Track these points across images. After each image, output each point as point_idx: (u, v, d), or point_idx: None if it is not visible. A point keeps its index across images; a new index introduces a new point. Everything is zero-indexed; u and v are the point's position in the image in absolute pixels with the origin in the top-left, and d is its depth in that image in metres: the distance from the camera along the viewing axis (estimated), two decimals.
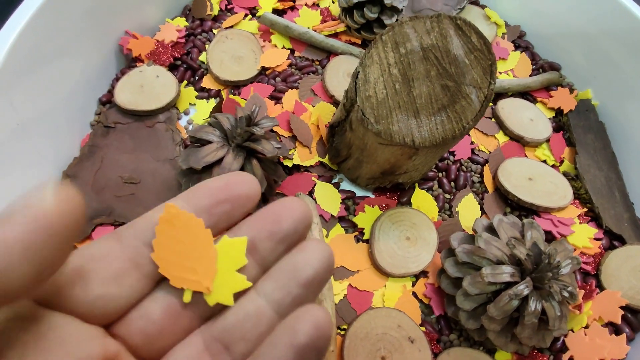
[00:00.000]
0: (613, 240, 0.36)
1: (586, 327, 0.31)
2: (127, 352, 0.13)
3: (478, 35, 0.30)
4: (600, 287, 0.34)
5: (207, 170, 0.31)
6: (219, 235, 0.15)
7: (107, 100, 0.41)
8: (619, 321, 0.31)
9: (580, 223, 0.37)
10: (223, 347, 0.13)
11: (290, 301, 0.14)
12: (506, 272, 0.28)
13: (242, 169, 0.31)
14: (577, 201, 0.38)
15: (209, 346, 0.14)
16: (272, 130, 0.38)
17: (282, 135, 0.38)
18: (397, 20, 0.43)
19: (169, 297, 0.14)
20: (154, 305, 0.14)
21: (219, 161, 0.31)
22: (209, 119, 0.40)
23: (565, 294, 0.27)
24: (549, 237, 0.36)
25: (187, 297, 0.14)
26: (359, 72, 0.30)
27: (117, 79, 0.42)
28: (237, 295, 0.14)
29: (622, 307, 0.32)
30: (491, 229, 0.32)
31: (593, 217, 0.38)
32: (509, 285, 0.28)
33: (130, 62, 0.43)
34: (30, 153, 0.32)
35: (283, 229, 0.14)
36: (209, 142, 0.32)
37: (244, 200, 0.14)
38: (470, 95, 0.30)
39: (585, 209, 0.38)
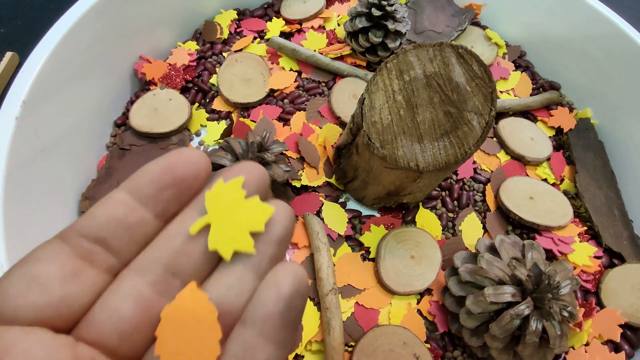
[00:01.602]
0: (613, 258, 0.37)
1: (586, 344, 0.32)
2: (103, 356, 0.12)
3: (479, 63, 0.31)
4: (600, 305, 0.35)
5: None
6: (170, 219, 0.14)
7: (122, 123, 0.43)
8: (618, 339, 0.32)
9: (580, 241, 0.38)
10: None
11: (267, 261, 0.13)
12: (507, 292, 0.29)
13: None
14: (577, 219, 0.39)
15: None
16: (281, 153, 0.40)
17: (290, 157, 0.40)
18: (400, 43, 0.45)
19: (135, 288, 0.12)
20: (121, 301, 0.12)
21: None
22: (220, 142, 0.42)
23: (565, 314, 0.28)
24: (550, 255, 0.37)
25: None
26: (364, 98, 0.32)
27: (131, 102, 0.44)
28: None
29: (621, 325, 0.33)
30: (493, 249, 0.33)
31: (593, 235, 0.39)
32: (510, 304, 0.29)
33: (144, 85, 0.45)
34: (51, 176, 0.34)
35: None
36: (222, 166, 0.33)
37: (191, 181, 0.13)
38: (472, 122, 0.31)
39: (585, 228, 0.39)
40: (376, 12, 0.42)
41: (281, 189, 0.36)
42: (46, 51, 0.34)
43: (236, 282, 0.13)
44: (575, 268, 0.36)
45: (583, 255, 0.36)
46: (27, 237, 0.29)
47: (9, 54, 0.47)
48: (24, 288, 0.11)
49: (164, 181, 0.13)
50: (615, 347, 0.33)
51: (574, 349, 0.32)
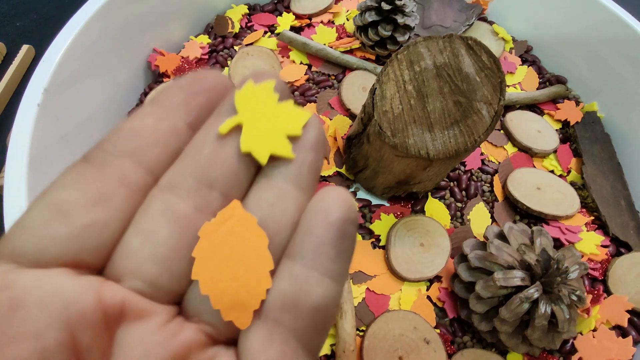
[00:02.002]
0: (619, 247, 0.38)
1: (594, 330, 0.33)
2: (137, 295, 0.10)
3: (488, 54, 0.32)
4: (608, 292, 0.35)
5: None
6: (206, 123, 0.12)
7: None
8: (625, 324, 0.33)
9: (587, 231, 0.38)
10: None
11: (307, 171, 0.12)
12: (517, 277, 0.29)
13: None
14: (584, 210, 0.40)
15: None
16: None
17: None
18: (409, 37, 0.46)
19: (168, 204, 0.11)
20: (155, 221, 0.10)
21: None
22: None
23: (574, 298, 0.29)
24: (557, 244, 0.37)
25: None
26: (375, 88, 0.32)
27: (145, 94, 0.45)
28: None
29: (628, 311, 0.33)
30: (502, 236, 0.34)
31: (600, 225, 0.39)
32: (519, 289, 0.29)
33: (157, 77, 0.46)
34: (71, 162, 0.35)
35: None
36: None
37: (219, 90, 0.12)
38: (482, 111, 0.32)
39: (592, 217, 0.39)
40: (386, 6, 0.43)
41: None
42: (66, 41, 0.35)
43: (278, 197, 0.11)
44: (582, 256, 0.37)
45: (590, 244, 0.37)
46: None
47: (24, 47, 0.48)
48: (45, 219, 0.10)
49: (194, 88, 0.12)
50: (623, 333, 0.33)
51: (582, 334, 0.33)
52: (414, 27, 0.45)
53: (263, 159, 0.11)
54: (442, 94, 0.32)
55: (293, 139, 0.12)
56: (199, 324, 0.10)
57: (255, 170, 0.12)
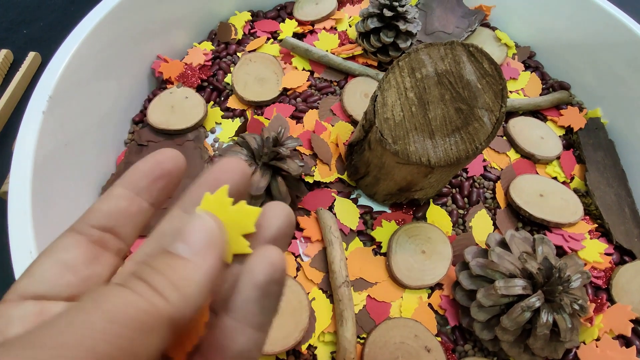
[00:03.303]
0: (623, 255, 0.37)
1: (597, 339, 0.33)
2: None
3: (489, 61, 0.32)
4: (611, 301, 0.35)
5: None
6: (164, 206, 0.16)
7: (140, 120, 0.44)
8: (629, 334, 0.32)
9: (590, 238, 0.38)
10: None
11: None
12: (518, 285, 0.29)
13: (268, 185, 0.33)
14: (588, 217, 0.40)
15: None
16: (295, 149, 0.41)
17: (303, 154, 0.41)
18: (411, 43, 0.46)
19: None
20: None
21: None
22: (235, 138, 0.43)
23: (576, 307, 0.29)
24: (560, 252, 0.37)
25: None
26: (377, 95, 0.33)
27: (148, 100, 0.45)
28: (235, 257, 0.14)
29: (632, 320, 0.33)
30: (504, 244, 0.33)
31: (603, 232, 0.39)
32: (521, 297, 0.29)
33: (160, 83, 0.46)
34: (75, 169, 0.35)
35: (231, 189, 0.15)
36: None
37: (175, 174, 0.15)
38: (483, 118, 0.32)
39: (596, 225, 0.39)
40: (388, 13, 0.43)
41: (295, 184, 0.37)
42: (70, 49, 0.35)
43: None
44: (585, 264, 0.37)
45: (594, 251, 0.37)
46: (52, 226, 0.30)
47: (31, 54, 0.49)
48: (59, 271, 0.13)
49: (155, 174, 0.15)
50: (626, 342, 0.33)
51: (585, 343, 0.33)
52: (416, 33, 0.46)
53: (229, 259, 0.14)
54: (443, 101, 0.32)
55: (249, 235, 0.14)
56: None
57: None
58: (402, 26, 0.44)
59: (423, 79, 0.32)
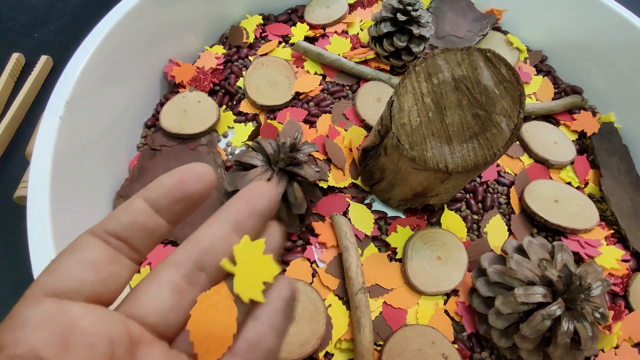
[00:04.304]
0: None
1: (616, 347, 0.32)
2: (147, 332, 0.14)
3: (507, 66, 0.32)
4: (629, 308, 0.35)
5: None
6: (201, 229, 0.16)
7: (152, 124, 0.44)
8: None
9: (607, 245, 0.38)
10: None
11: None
12: (538, 293, 0.29)
13: (284, 191, 0.33)
14: (603, 223, 0.39)
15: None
16: (310, 154, 0.40)
17: (317, 159, 0.41)
18: (424, 48, 0.46)
19: (171, 277, 0.15)
20: (161, 286, 0.15)
21: None
22: (248, 142, 0.43)
23: (597, 315, 0.28)
24: (577, 258, 0.37)
25: None
26: (393, 100, 0.32)
27: (161, 104, 0.45)
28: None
29: None
30: (521, 250, 0.33)
31: (620, 238, 0.39)
32: (540, 305, 0.29)
33: (172, 87, 0.46)
34: (91, 173, 0.35)
35: (260, 209, 0.16)
36: (253, 166, 0.34)
37: (199, 195, 0.16)
38: (501, 124, 0.31)
39: (612, 231, 0.39)
40: (401, 17, 0.43)
41: (310, 190, 0.36)
42: (86, 54, 0.35)
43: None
44: (603, 271, 0.36)
45: (610, 258, 0.36)
46: (70, 232, 0.30)
47: (43, 58, 0.49)
48: (81, 268, 0.14)
49: (176, 195, 0.15)
50: None
51: (603, 351, 0.32)
52: (429, 37, 0.45)
53: (246, 300, 0.15)
54: (460, 106, 0.32)
55: (267, 283, 0.16)
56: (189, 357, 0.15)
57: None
58: (415, 30, 0.44)
59: (440, 84, 0.32)
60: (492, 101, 0.32)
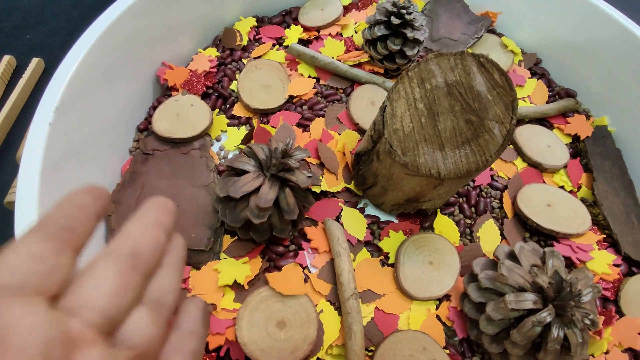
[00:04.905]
0: (632, 266, 0.37)
1: (606, 352, 0.33)
2: (90, 331, 0.14)
3: (500, 72, 0.32)
4: (620, 313, 0.35)
5: (244, 198, 0.33)
6: None
7: (145, 128, 0.43)
8: (638, 347, 0.32)
9: (599, 249, 0.38)
10: None
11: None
12: (529, 300, 0.29)
13: (276, 197, 0.33)
14: (596, 227, 0.40)
15: None
16: (302, 160, 0.40)
17: (310, 163, 0.41)
18: (418, 51, 0.46)
19: (112, 263, 0.16)
20: (104, 271, 0.15)
21: (256, 190, 0.33)
22: (241, 146, 0.43)
23: (587, 322, 0.28)
24: (568, 263, 0.37)
25: None
26: (386, 106, 0.32)
27: (153, 108, 0.45)
28: None
29: None
30: (513, 256, 0.33)
31: (611, 243, 0.39)
32: (531, 311, 0.29)
33: (165, 91, 0.46)
34: (81, 179, 0.35)
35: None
36: (245, 171, 0.34)
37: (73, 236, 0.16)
38: (493, 130, 0.31)
39: (604, 235, 0.39)
40: (395, 21, 0.43)
41: (302, 195, 0.36)
42: (76, 59, 0.35)
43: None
44: (594, 276, 0.37)
45: (602, 263, 0.37)
46: None
47: (34, 60, 0.49)
48: (27, 261, 0.14)
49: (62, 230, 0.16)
50: (635, 355, 0.33)
51: (593, 357, 0.33)
52: (423, 40, 0.45)
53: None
54: (453, 112, 0.32)
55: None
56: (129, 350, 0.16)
57: None
58: (409, 34, 0.43)
59: (433, 89, 0.32)
60: (485, 107, 0.31)
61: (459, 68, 0.32)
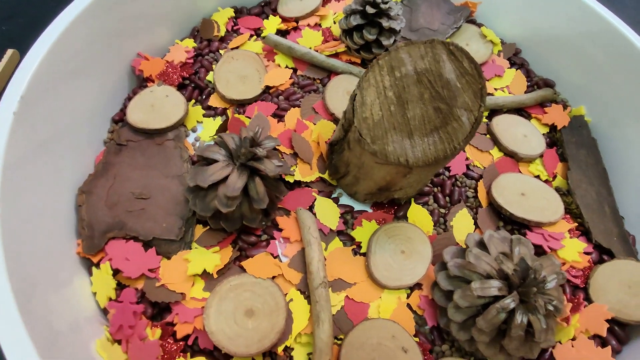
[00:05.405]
0: (602, 254, 0.37)
1: (573, 339, 0.33)
2: None
3: (469, 60, 0.31)
4: (589, 300, 0.35)
5: (213, 187, 0.33)
6: None
7: (120, 119, 0.43)
8: (604, 334, 0.32)
9: (570, 237, 0.38)
10: None
11: None
12: (494, 287, 0.29)
13: (245, 186, 0.33)
14: (568, 216, 0.40)
15: None
16: (275, 148, 0.40)
17: (284, 153, 0.40)
18: (394, 40, 0.45)
19: None
20: None
21: (224, 179, 0.33)
22: (215, 137, 0.43)
23: (551, 308, 0.29)
24: (540, 251, 0.37)
25: None
26: (356, 94, 0.32)
27: (129, 99, 0.44)
28: None
29: (610, 320, 0.33)
30: (482, 244, 0.33)
31: (583, 231, 0.39)
32: (497, 298, 0.29)
33: (141, 82, 0.46)
34: (50, 170, 0.35)
35: None
36: (215, 160, 0.34)
37: None
38: (462, 118, 0.31)
39: (576, 224, 0.39)
40: (370, 10, 0.42)
41: (274, 184, 0.36)
42: (45, 47, 0.35)
43: None
44: (565, 264, 0.37)
45: (573, 251, 0.37)
46: (24, 230, 0.29)
47: (9, 52, 0.48)
48: None
49: None
50: (602, 342, 0.33)
51: (560, 343, 0.33)
52: (399, 30, 0.45)
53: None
54: (422, 100, 0.32)
55: None
56: None
57: None
58: (385, 23, 0.43)
59: (402, 77, 0.32)
60: (454, 95, 0.31)
61: (428, 56, 0.32)
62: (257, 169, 0.33)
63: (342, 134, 0.36)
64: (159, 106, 0.42)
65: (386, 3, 0.43)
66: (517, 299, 0.28)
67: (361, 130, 0.31)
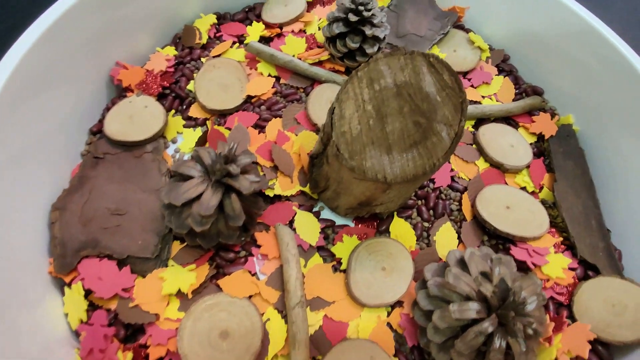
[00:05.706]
0: (588, 269, 0.37)
1: None
2: None
3: (450, 72, 0.31)
4: (572, 319, 0.34)
5: (188, 204, 0.32)
6: None
7: (98, 130, 0.42)
8: (586, 356, 0.31)
9: (555, 252, 0.37)
10: None
11: None
12: (472, 309, 0.28)
13: (221, 203, 0.32)
14: (554, 229, 0.39)
15: None
16: (253, 162, 0.39)
17: (264, 166, 0.40)
18: (379, 48, 0.44)
19: None
20: None
21: (199, 196, 0.32)
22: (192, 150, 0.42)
23: (530, 332, 0.28)
24: (524, 267, 0.36)
25: None
26: (335, 107, 0.31)
27: (107, 109, 0.43)
28: None
29: (594, 340, 0.33)
30: (463, 262, 0.33)
31: (569, 246, 0.38)
32: (475, 321, 0.28)
33: (121, 91, 0.45)
34: (22, 185, 0.34)
35: None
36: (191, 176, 0.33)
37: None
38: (441, 133, 0.31)
39: (561, 238, 0.38)
40: (353, 18, 0.41)
41: (251, 200, 0.35)
42: (18, 56, 0.34)
43: None
44: (548, 280, 0.36)
45: (557, 267, 0.36)
46: None
47: None
48: None
49: None
50: None
51: None
52: (384, 38, 0.44)
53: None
54: (402, 114, 0.31)
55: None
56: None
57: None
58: (368, 31, 0.42)
59: (382, 90, 0.31)
60: (434, 108, 0.30)
61: (408, 68, 0.31)
62: (232, 186, 0.32)
63: (321, 147, 0.35)
64: (137, 117, 0.41)
65: (369, 10, 0.42)
66: (495, 323, 0.28)
67: (339, 145, 0.31)
